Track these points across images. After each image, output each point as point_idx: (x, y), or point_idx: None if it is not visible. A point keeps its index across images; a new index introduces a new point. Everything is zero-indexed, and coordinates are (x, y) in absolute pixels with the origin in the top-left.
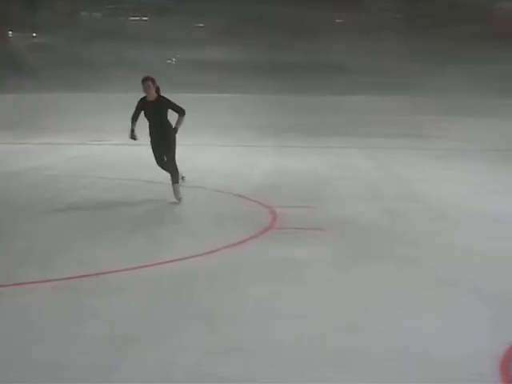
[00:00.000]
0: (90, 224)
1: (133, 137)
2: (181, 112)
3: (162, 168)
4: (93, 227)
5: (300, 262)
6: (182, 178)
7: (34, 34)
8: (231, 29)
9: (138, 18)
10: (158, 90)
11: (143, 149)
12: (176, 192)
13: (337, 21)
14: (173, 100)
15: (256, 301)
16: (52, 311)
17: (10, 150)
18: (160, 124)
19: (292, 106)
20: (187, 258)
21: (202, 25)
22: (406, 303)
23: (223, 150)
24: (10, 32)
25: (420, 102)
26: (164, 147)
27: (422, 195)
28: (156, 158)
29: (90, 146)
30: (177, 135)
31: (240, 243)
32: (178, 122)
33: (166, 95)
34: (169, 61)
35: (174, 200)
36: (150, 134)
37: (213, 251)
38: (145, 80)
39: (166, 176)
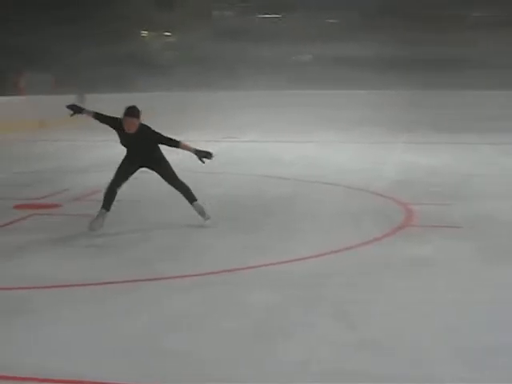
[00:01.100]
0: (222, 220)
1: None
2: (174, 143)
3: (111, 192)
4: (225, 224)
5: (436, 260)
6: (207, 217)
7: (167, 33)
8: (363, 24)
9: (269, 16)
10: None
11: (273, 145)
12: (200, 211)
13: (473, 15)
14: (158, 131)
15: (392, 297)
16: (190, 305)
17: None
18: (146, 154)
19: (423, 101)
20: (323, 254)
21: (334, 20)
22: None
23: (354, 146)
24: (144, 32)
25: None
26: (150, 167)
27: None
28: (115, 179)
29: (220, 142)
30: (299, 133)
31: (375, 240)
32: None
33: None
34: (301, 58)
35: (203, 222)
36: (127, 157)
37: (348, 248)
38: (130, 115)
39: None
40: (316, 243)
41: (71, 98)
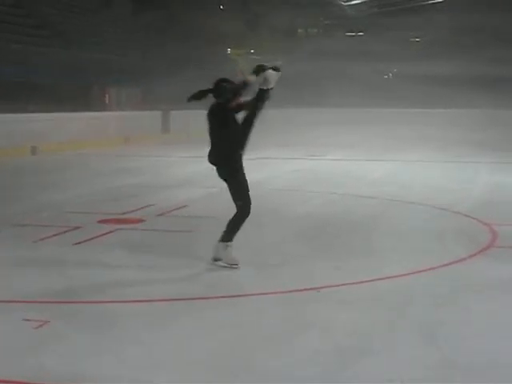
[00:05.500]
0: (307, 239)
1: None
2: None
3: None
4: (310, 242)
5: None
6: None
7: (252, 51)
8: (448, 42)
9: (353, 34)
10: None
11: (358, 164)
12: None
13: None
14: None
15: (477, 318)
16: (273, 323)
17: None
18: None
19: (510, 120)
20: (408, 274)
21: (418, 39)
22: None
23: (440, 165)
24: (229, 49)
25: None
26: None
27: None
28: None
29: (306, 160)
30: (385, 152)
31: (460, 261)
32: None
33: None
34: (385, 76)
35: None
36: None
37: (433, 268)
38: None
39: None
40: (401, 263)
41: (157, 114)
